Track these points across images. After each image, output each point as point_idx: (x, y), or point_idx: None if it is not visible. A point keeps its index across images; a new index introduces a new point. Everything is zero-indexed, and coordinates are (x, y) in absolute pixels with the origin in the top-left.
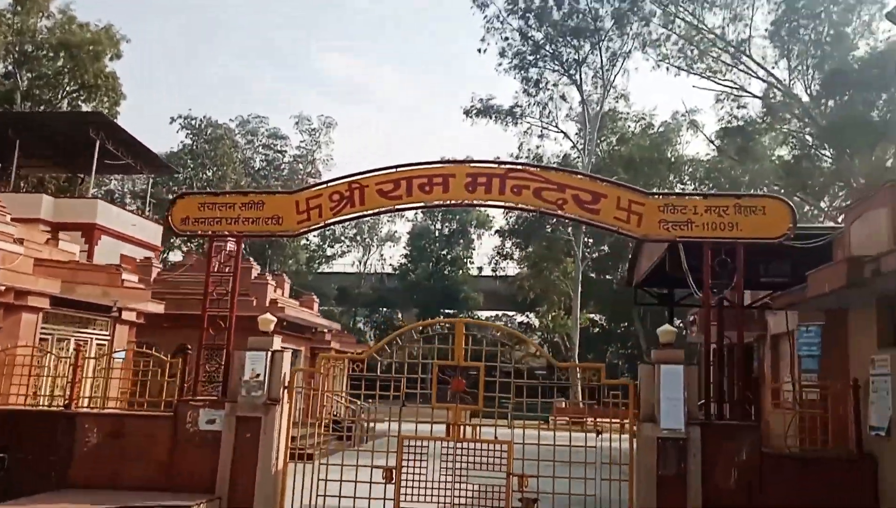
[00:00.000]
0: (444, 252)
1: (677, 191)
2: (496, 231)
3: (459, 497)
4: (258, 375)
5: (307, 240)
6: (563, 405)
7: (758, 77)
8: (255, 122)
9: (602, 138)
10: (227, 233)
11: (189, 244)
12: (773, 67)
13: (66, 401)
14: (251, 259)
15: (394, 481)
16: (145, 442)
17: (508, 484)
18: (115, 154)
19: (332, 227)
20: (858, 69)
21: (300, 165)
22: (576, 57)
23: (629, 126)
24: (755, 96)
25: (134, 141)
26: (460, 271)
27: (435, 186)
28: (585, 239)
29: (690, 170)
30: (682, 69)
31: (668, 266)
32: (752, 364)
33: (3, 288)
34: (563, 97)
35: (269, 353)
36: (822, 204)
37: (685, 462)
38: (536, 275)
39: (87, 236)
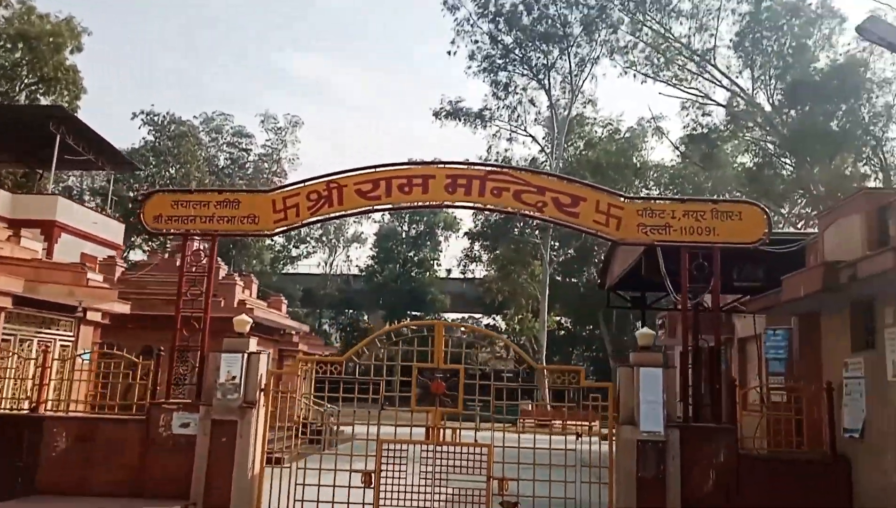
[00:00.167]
0: (412, 254)
1: (653, 195)
2: (465, 234)
3: (439, 500)
4: (234, 377)
5: (272, 240)
6: (529, 408)
7: (722, 86)
8: (219, 119)
9: (570, 143)
10: (201, 232)
11: (150, 243)
12: (737, 77)
13: (33, 404)
14: (219, 259)
15: (373, 485)
16: (116, 447)
17: (489, 488)
18: (75, 149)
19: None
20: (819, 81)
21: (266, 164)
22: (545, 62)
23: (596, 131)
24: (719, 105)
25: (96, 136)
26: (427, 274)
27: (415, 186)
28: (552, 243)
29: (656, 175)
30: (649, 76)
31: (644, 270)
32: (720, 367)
33: None
34: (531, 101)
35: (246, 355)
36: (783, 210)
37: (664, 464)
38: (504, 277)
39: (47, 234)
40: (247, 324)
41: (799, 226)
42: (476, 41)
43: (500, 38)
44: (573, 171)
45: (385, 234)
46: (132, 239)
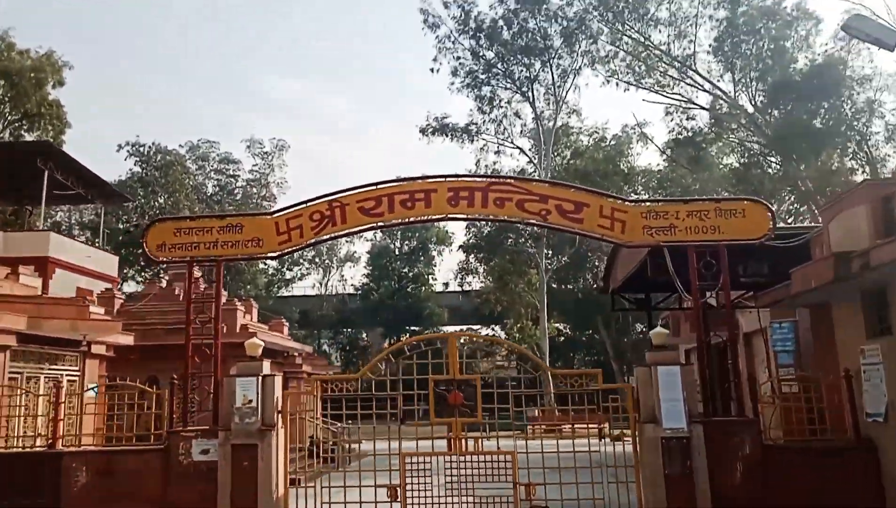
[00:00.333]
0: (406, 270)
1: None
2: (459, 246)
3: None
4: (250, 401)
5: (265, 264)
6: (536, 414)
7: (704, 90)
8: (205, 147)
9: (556, 153)
10: (205, 258)
11: (143, 274)
12: (718, 81)
13: (49, 441)
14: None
15: (399, 499)
16: (137, 478)
17: (516, 494)
18: (64, 184)
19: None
20: (800, 81)
21: (254, 189)
22: (527, 74)
23: (582, 140)
24: (703, 108)
25: (84, 170)
26: (423, 288)
27: (417, 201)
28: (545, 251)
29: (644, 180)
30: (631, 84)
31: (650, 271)
32: (726, 362)
33: None
34: (517, 114)
35: (260, 378)
36: (773, 208)
37: (690, 460)
38: (501, 288)
39: (41, 270)
40: (259, 347)
41: (789, 222)
42: (458, 57)
43: (481, 54)
44: (562, 180)
45: (378, 252)
46: (125, 271)
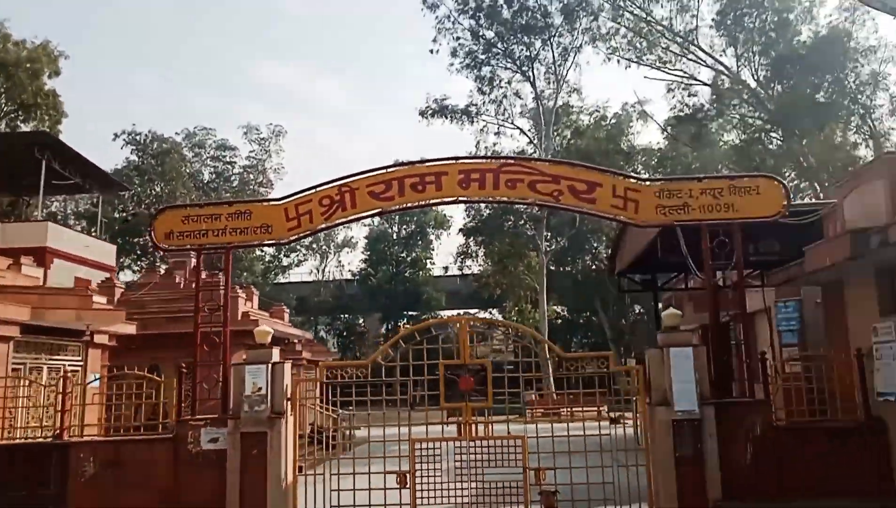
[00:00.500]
0: (404, 254)
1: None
2: (459, 230)
3: (477, 495)
4: (260, 389)
5: (261, 251)
6: (533, 398)
7: (706, 65)
8: (201, 134)
9: (557, 133)
10: (215, 246)
11: (140, 263)
12: (720, 56)
13: (56, 431)
14: (218, 273)
15: (408, 485)
16: (145, 468)
17: (526, 479)
18: (62, 174)
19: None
20: (803, 54)
21: (251, 176)
22: (528, 54)
23: (583, 119)
24: (705, 84)
25: (82, 160)
26: (421, 273)
27: (428, 184)
28: (544, 233)
29: (644, 159)
30: (633, 61)
31: (661, 251)
32: (728, 342)
33: None
34: (517, 94)
35: (270, 365)
36: None
37: (701, 442)
38: (501, 271)
39: (39, 261)
40: (268, 335)
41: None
42: (458, 38)
43: (481, 34)
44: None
45: (376, 236)
46: (121, 260)
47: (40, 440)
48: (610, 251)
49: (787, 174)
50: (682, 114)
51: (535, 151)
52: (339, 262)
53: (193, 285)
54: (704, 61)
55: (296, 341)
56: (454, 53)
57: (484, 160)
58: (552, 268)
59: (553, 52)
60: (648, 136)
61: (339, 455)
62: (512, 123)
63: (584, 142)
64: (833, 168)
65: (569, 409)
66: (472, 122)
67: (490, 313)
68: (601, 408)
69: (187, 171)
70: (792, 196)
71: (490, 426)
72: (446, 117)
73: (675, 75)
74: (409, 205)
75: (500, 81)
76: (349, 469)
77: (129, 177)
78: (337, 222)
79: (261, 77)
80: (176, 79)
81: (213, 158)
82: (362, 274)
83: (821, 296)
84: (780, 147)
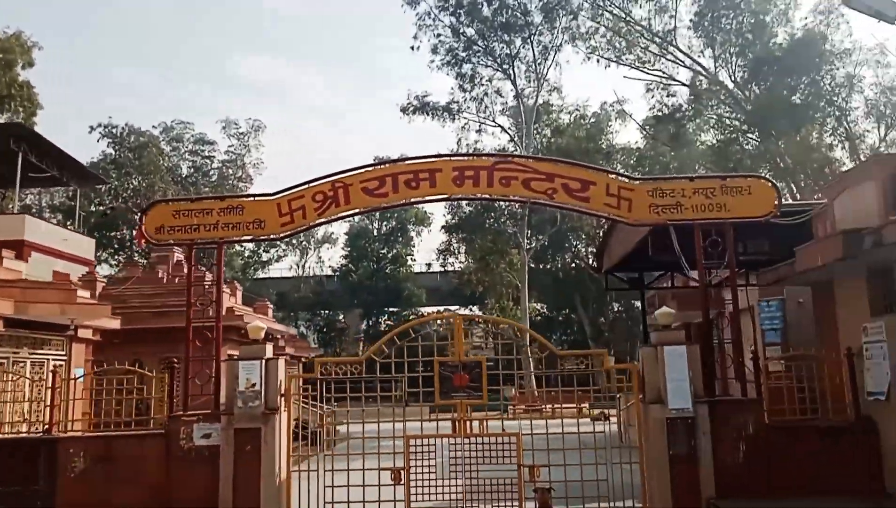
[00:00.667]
0: (384, 251)
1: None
2: (442, 227)
3: (471, 492)
4: (254, 384)
5: (241, 247)
6: (513, 394)
7: (685, 66)
8: (179, 128)
9: (537, 131)
10: (206, 240)
11: (117, 257)
12: (698, 56)
13: (46, 426)
14: (202, 267)
15: (402, 481)
16: (136, 463)
17: (520, 475)
18: (39, 166)
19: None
20: (780, 56)
21: (230, 171)
22: (508, 52)
23: (563, 118)
24: (683, 84)
25: (58, 152)
26: (402, 269)
27: (422, 181)
28: (526, 231)
29: (623, 158)
30: (612, 61)
31: (651, 250)
32: (712, 341)
33: None
34: (498, 92)
35: (264, 361)
36: None
37: (695, 440)
38: (483, 268)
39: (17, 254)
40: (261, 330)
41: None
42: (438, 34)
43: (462, 31)
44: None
45: (357, 233)
46: (98, 254)
47: (29, 434)
48: (597, 249)
49: (763, 174)
50: (660, 114)
51: (516, 149)
52: (320, 258)
53: (177, 280)
54: (683, 62)
55: (279, 336)
56: (435, 50)
57: (478, 157)
58: (532, 266)
59: (533, 50)
60: (627, 135)
61: (332, 452)
62: (493, 120)
63: (564, 140)
64: (809, 169)
65: (552, 406)
66: (454, 119)
67: (471, 309)
68: (583, 406)
69: (165, 165)
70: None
71: (484, 423)
72: (428, 114)
73: (654, 75)
74: (403, 202)
75: (481, 79)
76: (343, 466)
77: (105, 170)
78: (330, 218)
79: (241, 71)
80: (154, 72)
81: (192, 153)
82: (343, 270)
83: (809, 295)
84: (756, 148)
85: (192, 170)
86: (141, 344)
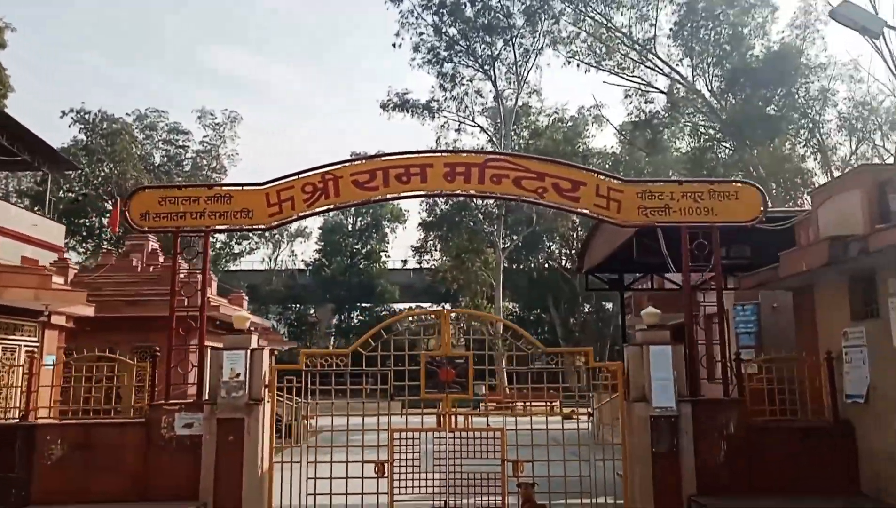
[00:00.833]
0: (358, 246)
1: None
2: (419, 224)
3: (455, 486)
4: (238, 375)
5: (213, 238)
6: (483, 391)
7: (663, 73)
8: (153, 116)
9: (515, 133)
10: (193, 228)
11: (85, 245)
12: (677, 65)
13: (22, 412)
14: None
15: (386, 474)
16: (116, 452)
17: (503, 471)
18: (9, 150)
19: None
20: (756, 68)
21: (204, 161)
22: (489, 53)
23: (542, 121)
24: (661, 92)
25: (31, 136)
26: (376, 265)
27: (413, 176)
28: (502, 231)
29: (599, 162)
30: (592, 66)
31: (636, 252)
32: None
33: None
34: (478, 92)
35: (249, 352)
36: None
37: (678, 439)
38: (459, 266)
39: None
40: (246, 321)
41: None
42: (420, 33)
43: (444, 30)
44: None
45: (331, 227)
46: (66, 241)
47: (5, 421)
48: (580, 250)
49: (750, 181)
50: (637, 120)
51: (494, 149)
52: (293, 251)
53: (151, 269)
54: (661, 69)
55: (252, 328)
56: (416, 48)
57: (469, 154)
58: (507, 265)
59: (514, 52)
60: (603, 139)
61: (316, 444)
62: (472, 120)
63: (542, 142)
64: (782, 179)
65: (524, 403)
66: (434, 117)
67: (443, 306)
68: (553, 404)
69: (138, 153)
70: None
71: (469, 418)
72: (408, 112)
73: (633, 82)
74: (394, 196)
75: (462, 79)
76: (325, 458)
77: (76, 156)
78: (319, 209)
79: (214, 65)
80: (126, 60)
81: (165, 142)
82: (316, 264)
83: (787, 300)
84: (730, 156)
85: (166, 159)
86: (115, 332)
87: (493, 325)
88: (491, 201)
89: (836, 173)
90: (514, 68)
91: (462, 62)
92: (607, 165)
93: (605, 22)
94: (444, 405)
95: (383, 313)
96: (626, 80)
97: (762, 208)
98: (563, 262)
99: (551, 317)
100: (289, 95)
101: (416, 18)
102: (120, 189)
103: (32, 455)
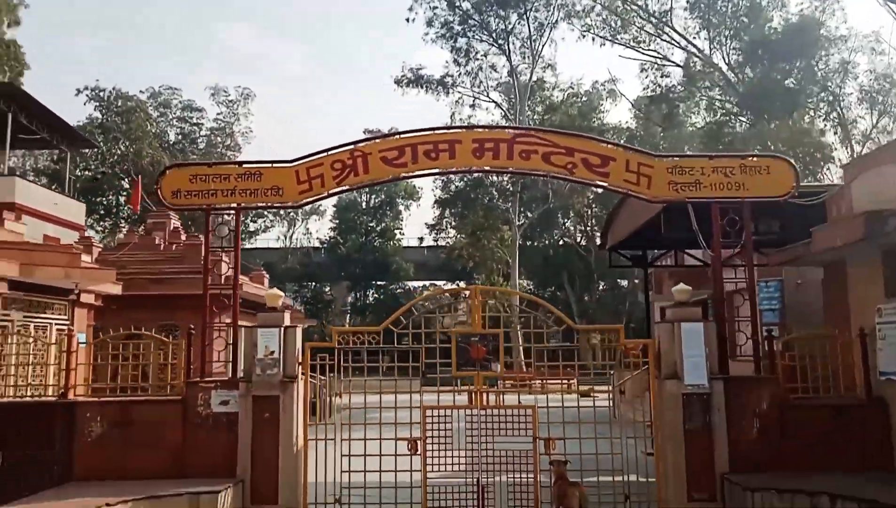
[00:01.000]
0: (373, 224)
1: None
2: (435, 202)
3: (487, 463)
4: (272, 352)
5: (228, 215)
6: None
7: (680, 47)
8: (167, 94)
9: (530, 108)
10: (224, 205)
11: (103, 223)
12: (693, 38)
13: (62, 390)
14: (199, 235)
15: (419, 451)
16: (153, 429)
17: (535, 448)
18: (29, 128)
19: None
20: (775, 40)
21: (219, 138)
22: (504, 27)
23: (557, 95)
24: (677, 65)
25: (49, 114)
26: (390, 243)
27: (441, 152)
28: (518, 208)
29: (614, 137)
30: (607, 39)
31: (664, 227)
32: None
33: None
34: (492, 67)
35: (282, 329)
36: None
37: (710, 416)
38: (475, 243)
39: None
40: (279, 298)
41: None
42: (434, 7)
43: (458, 4)
44: None
45: (345, 205)
46: (86, 220)
47: (45, 398)
48: (603, 226)
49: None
50: (653, 94)
51: (509, 125)
52: (308, 229)
53: (174, 247)
54: (678, 43)
55: (284, 306)
56: (430, 23)
57: (498, 129)
58: (521, 243)
59: (529, 26)
60: (618, 114)
61: (350, 422)
62: (487, 95)
63: (557, 117)
64: (801, 153)
65: (541, 381)
66: (448, 93)
67: (457, 285)
68: (570, 381)
69: (153, 130)
70: None
71: (501, 395)
72: (421, 87)
73: (649, 56)
74: (422, 173)
75: (476, 54)
76: (359, 436)
77: (92, 134)
78: (348, 186)
79: (224, 41)
80: (136, 41)
81: (180, 119)
82: (331, 242)
83: (815, 277)
84: (748, 130)
85: (181, 137)
86: (140, 310)
87: (513, 303)
88: (506, 178)
89: (857, 147)
90: (529, 42)
91: (476, 36)
92: (622, 141)
93: None
94: (476, 382)
95: (398, 290)
96: (642, 53)
97: (794, 184)
98: (579, 239)
99: (566, 294)
100: (298, 72)
101: None
102: (136, 167)
103: (73, 432)
